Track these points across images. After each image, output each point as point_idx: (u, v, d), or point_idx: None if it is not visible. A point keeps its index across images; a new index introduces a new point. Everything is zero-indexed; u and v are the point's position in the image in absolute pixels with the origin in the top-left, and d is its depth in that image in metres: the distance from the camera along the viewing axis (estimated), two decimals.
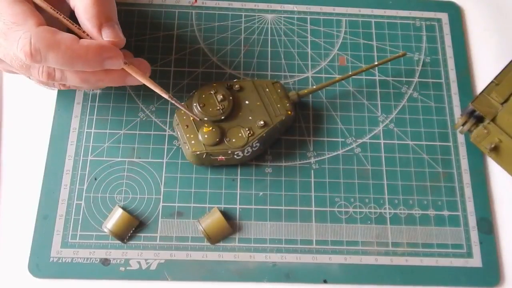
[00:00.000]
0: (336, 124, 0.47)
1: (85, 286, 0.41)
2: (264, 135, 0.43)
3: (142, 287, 0.41)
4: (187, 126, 0.43)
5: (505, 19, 0.53)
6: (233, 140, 0.42)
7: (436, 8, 0.53)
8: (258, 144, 0.43)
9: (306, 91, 0.46)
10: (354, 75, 0.47)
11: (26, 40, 0.34)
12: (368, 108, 0.48)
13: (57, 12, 0.38)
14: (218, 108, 0.43)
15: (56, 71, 0.37)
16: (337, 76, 0.48)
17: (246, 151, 0.43)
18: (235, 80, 0.46)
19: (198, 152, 0.42)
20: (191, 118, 0.43)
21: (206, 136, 0.42)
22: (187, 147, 0.42)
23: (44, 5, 0.38)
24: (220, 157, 0.43)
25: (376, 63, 0.48)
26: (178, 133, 0.43)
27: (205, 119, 0.43)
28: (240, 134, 0.42)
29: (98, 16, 0.37)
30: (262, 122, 0.43)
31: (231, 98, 0.43)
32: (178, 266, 0.42)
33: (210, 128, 0.42)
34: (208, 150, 0.42)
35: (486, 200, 0.45)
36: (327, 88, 0.48)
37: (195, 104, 0.43)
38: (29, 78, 0.41)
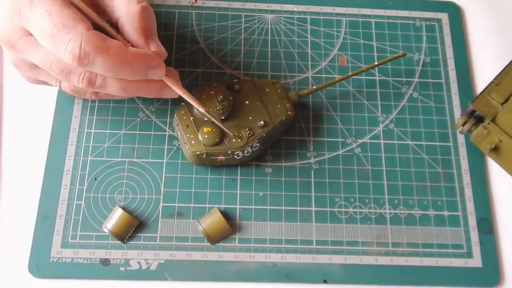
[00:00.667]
0: (336, 124, 0.47)
1: (85, 286, 0.41)
2: (264, 135, 0.43)
3: (142, 287, 0.41)
4: (187, 126, 0.43)
5: (505, 19, 0.53)
6: (233, 140, 0.42)
7: (436, 8, 0.53)
8: (258, 144, 0.43)
9: (306, 91, 0.46)
10: (354, 75, 0.47)
11: (76, 43, 0.34)
12: (368, 108, 0.48)
13: (103, 21, 0.38)
14: (218, 108, 0.43)
15: (97, 77, 0.37)
16: (337, 76, 0.48)
17: (246, 151, 0.43)
18: (235, 80, 0.46)
19: (198, 152, 0.42)
20: (191, 118, 0.43)
21: (206, 136, 0.42)
22: (187, 147, 0.42)
23: (91, 13, 0.37)
24: (220, 157, 0.43)
25: (376, 63, 0.48)
26: (178, 133, 0.43)
27: (205, 119, 0.43)
28: (240, 134, 0.42)
29: (144, 28, 0.38)
30: (262, 122, 0.43)
31: (231, 98, 0.43)
32: (178, 266, 0.42)
33: (210, 129, 0.42)
34: (208, 150, 0.42)
35: (486, 200, 0.45)
36: (327, 88, 0.48)
37: None
38: (59, 87, 0.41)
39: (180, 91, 0.40)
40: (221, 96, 0.43)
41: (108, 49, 0.35)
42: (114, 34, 0.38)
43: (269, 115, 0.44)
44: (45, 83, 0.42)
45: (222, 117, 0.43)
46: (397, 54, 0.48)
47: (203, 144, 0.42)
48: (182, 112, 0.43)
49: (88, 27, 0.35)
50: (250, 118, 0.43)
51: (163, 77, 0.39)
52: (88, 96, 0.42)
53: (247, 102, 0.44)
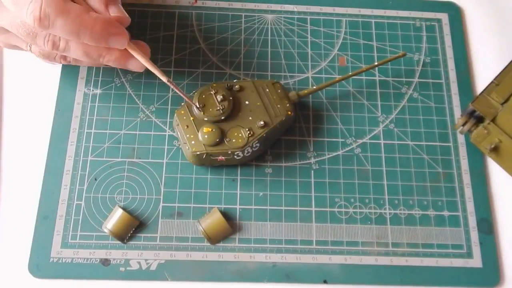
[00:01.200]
0: (336, 125, 0.47)
1: (85, 286, 0.41)
2: (264, 135, 0.43)
3: (142, 287, 0.41)
4: (187, 126, 0.43)
5: (505, 19, 0.53)
6: (233, 140, 0.42)
7: (436, 8, 0.53)
8: (258, 145, 0.43)
9: (306, 91, 0.46)
10: (354, 75, 0.47)
11: (37, 4, 0.35)
12: (368, 109, 0.48)
13: None
14: (218, 108, 0.43)
15: (61, 41, 0.38)
16: (337, 77, 0.49)
17: (246, 151, 0.43)
18: (235, 81, 0.46)
19: (198, 153, 0.42)
20: (191, 118, 0.43)
21: (206, 136, 0.42)
22: (187, 147, 0.42)
23: None
24: (220, 158, 0.43)
25: (376, 63, 0.48)
26: (178, 133, 0.43)
27: (205, 119, 0.42)
28: (240, 135, 0.42)
29: None
30: (262, 123, 0.43)
31: (231, 98, 0.43)
32: (178, 266, 0.42)
33: (210, 129, 0.42)
34: (208, 150, 0.42)
35: (486, 200, 0.45)
36: (327, 88, 0.48)
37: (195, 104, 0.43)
38: (30, 51, 0.41)
39: (143, 60, 0.40)
40: (221, 96, 0.43)
41: (68, 12, 0.35)
42: None
43: (269, 115, 0.44)
44: (17, 47, 0.42)
45: (222, 117, 0.43)
46: (397, 55, 0.48)
47: (203, 144, 0.42)
48: (182, 112, 0.43)
49: None
50: (250, 118, 0.43)
51: (126, 46, 0.39)
52: (58, 60, 0.42)
53: (247, 102, 0.44)
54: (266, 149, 0.46)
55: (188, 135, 0.42)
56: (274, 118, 0.44)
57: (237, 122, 0.43)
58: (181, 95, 0.42)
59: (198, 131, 0.42)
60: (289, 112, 0.44)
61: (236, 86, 0.44)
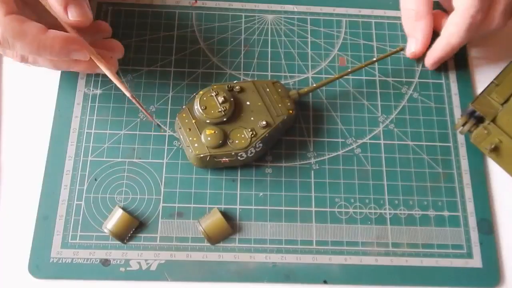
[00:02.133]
0: (336, 125, 0.47)
1: (85, 286, 0.41)
2: (267, 135, 0.43)
3: (142, 287, 0.41)
4: (190, 129, 0.43)
5: None
6: (236, 141, 0.42)
7: (436, 8, 0.53)
8: (261, 145, 0.43)
9: (306, 89, 0.46)
10: (354, 71, 0.47)
11: None
12: (368, 109, 0.48)
13: None
14: (220, 110, 0.42)
15: (29, 56, 0.39)
16: (337, 76, 0.49)
17: (249, 152, 0.43)
18: (235, 82, 0.46)
19: (202, 155, 0.42)
20: (193, 121, 0.43)
21: (209, 138, 0.42)
22: (190, 150, 0.42)
23: None
24: (224, 159, 0.43)
25: (374, 59, 0.48)
26: (181, 136, 0.43)
27: (207, 121, 0.42)
28: (243, 135, 0.42)
29: None
30: (264, 123, 0.43)
31: (232, 99, 0.43)
32: (178, 266, 0.42)
33: (213, 131, 0.42)
34: (212, 152, 0.42)
35: (486, 200, 0.45)
36: (327, 88, 0.48)
37: (196, 107, 0.43)
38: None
39: (107, 72, 0.40)
40: (223, 98, 0.43)
41: (25, 35, 0.36)
42: (46, 5, 0.39)
43: (270, 115, 0.44)
44: None
45: (224, 119, 0.43)
46: (394, 50, 0.48)
47: (207, 147, 0.42)
48: (184, 115, 0.43)
49: (7, 11, 0.36)
50: (252, 118, 0.43)
51: (88, 58, 0.39)
52: (32, 64, 0.42)
53: (248, 103, 0.44)
54: (269, 149, 0.46)
55: (190, 138, 0.42)
56: (276, 117, 0.44)
57: (239, 123, 0.43)
58: (145, 113, 0.42)
59: (200, 134, 0.42)
60: (291, 111, 0.44)
61: (237, 87, 0.44)
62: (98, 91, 0.47)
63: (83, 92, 0.47)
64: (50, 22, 0.39)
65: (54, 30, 0.38)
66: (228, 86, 0.44)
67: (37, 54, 0.38)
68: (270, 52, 0.50)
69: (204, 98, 0.43)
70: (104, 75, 0.45)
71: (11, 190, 0.44)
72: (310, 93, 0.48)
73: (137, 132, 0.46)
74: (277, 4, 0.52)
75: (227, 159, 0.43)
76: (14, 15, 0.37)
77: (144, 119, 0.46)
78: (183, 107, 0.44)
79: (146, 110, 0.42)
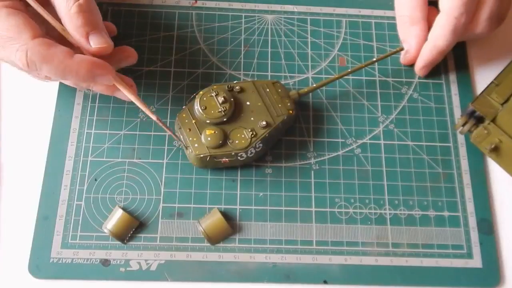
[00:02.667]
0: (336, 125, 0.47)
1: (85, 286, 0.41)
2: (267, 135, 0.43)
3: None
4: (190, 129, 0.43)
5: (505, 20, 0.53)
6: (236, 141, 0.42)
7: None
8: (261, 145, 0.43)
9: (306, 89, 0.46)
10: (353, 71, 0.47)
11: (23, 53, 0.36)
12: (368, 109, 0.48)
13: (55, 21, 0.39)
14: (220, 110, 0.43)
15: (54, 77, 0.39)
16: (337, 76, 0.49)
17: (249, 152, 0.43)
18: (235, 82, 0.46)
19: (202, 155, 0.42)
20: (193, 121, 0.43)
21: (209, 138, 0.42)
22: (190, 150, 0.42)
23: (42, 12, 0.39)
24: (224, 159, 0.43)
25: (374, 59, 0.48)
26: (181, 136, 0.43)
27: (207, 121, 0.42)
28: (243, 136, 0.42)
29: (84, 25, 0.38)
30: (264, 123, 0.43)
31: (232, 99, 0.43)
32: (178, 266, 0.42)
33: (213, 131, 0.42)
34: (212, 152, 0.42)
35: (486, 200, 0.45)
36: (327, 88, 0.48)
37: (196, 107, 0.43)
38: None
39: (130, 96, 0.41)
40: (223, 98, 0.43)
41: (52, 58, 0.37)
42: (64, 34, 0.39)
43: (270, 115, 0.44)
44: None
45: (224, 119, 0.43)
46: (394, 50, 0.48)
47: (207, 147, 0.42)
48: (184, 115, 0.43)
49: (33, 35, 0.37)
50: (252, 119, 0.43)
51: (111, 83, 0.40)
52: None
53: (248, 103, 0.44)
54: (269, 149, 0.46)
55: (191, 138, 0.42)
56: (276, 117, 0.44)
57: (239, 123, 0.43)
58: (171, 133, 0.42)
59: (200, 134, 0.42)
60: (291, 111, 0.44)
61: (237, 87, 0.44)
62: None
63: (83, 92, 0.47)
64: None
65: (80, 54, 0.38)
66: (228, 86, 0.44)
67: (62, 78, 0.39)
68: (270, 52, 0.50)
69: (204, 98, 0.43)
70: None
71: (11, 190, 0.44)
72: (310, 93, 0.48)
73: (137, 132, 0.46)
74: (277, 4, 0.52)
75: (227, 159, 0.43)
76: (41, 39, 0.37)
77: (144, 119, 0.46)
78: (183, 107, 0.44)
79: (172, 132, 0.42)
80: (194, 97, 0.44)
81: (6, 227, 0.43)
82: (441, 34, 0.46)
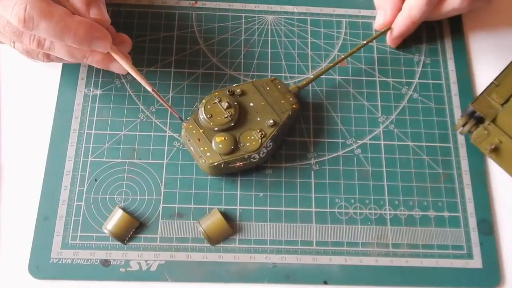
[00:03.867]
0: (336, 125, 0.47)
1: (85, 287, 0.41)
2: (275, 133, 0.43)
3: None
4: (199, 139, 0.42)
5: (505, 20, 0.53)
6: (247, 144, 0.42)
7: None
8: (271, 144, 0.43)
9: (305, 82, 0.46)
10: (349, 56, 0.48)
11: (21, 6, 0.35)
12: (368, 109, 0.48)
13: None
14: (226, 116, 0.42)
15: (46, 40, 0.39)
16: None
17: (261, 152, 0.43)
18: (234, 85, 0.45)
19: (216, 163, 0.41)
20: (201, 131, 0.42)
21: (220, 145, 0.41)
22: (202, 160, 0.42)
23: None
24: (238, 164, 0.42)
25: (364, 42, 0.48)
26: (191, 148, 0.43)
27: (215, 129, 0.42)
28: (252, 137, 0.42)
29: None
30: (271, 121, 0.43)
31: (236, 103, 0.43)
32: (178, 267, 0.42)
33: (223, 137, 0.42)
34: (225, 159, 0.41)
35: (486, 201, 0.45)
36: (327, 89, 0.48)
37: (202, 116, 0.42)
38: (14, 47, 0.41)
39: (126, 65, 0.41)
40: (226, 103, 0.42)
41: (52, 14, 0.36)
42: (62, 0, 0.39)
43: (276, 112, 0.44)
44: (1, 42, 0.43)
45: (232, 124, 0.42)
46: (382, 31, 0.49)
47: (219, 154, 0.42)
48: (191, 126, 0.43)
49: None
50: (258, 119, 0.43)
51: (109, 50, 0.40)
52: (40, 58, 0.42)
53: (251, 104, 0.44)
54: (279, 146, 0.46)
55: (201, 148, 0.42)
56: (281, 114, 0.44)
57: (247, 125, 0.43)
58: (166, 106, 0.42)
59: (210, 142, 0.42)
60: (294, 106, 0.44)
61: (238, 90, 0.44)
62: (98, 92, 0.47)
63: (83, 93, 0.47)
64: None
65: (79, 16, 0.38)
66: (229, 91, 0.44)
67: (59, 38, 0.37)
68: (270, 52, 0.50)
69: (208, 106, 0.43)
70: (106, 76, 0.45)
71: (11, 190, 0.44)
72: (310, 94, 0.48)
73: (137, 133, 0.46)
74: (277, 4, 0.52)
75: (241, 163, 0.42)
76: None
77: (144, 120, 0.46)
78: (188, 118, 0.43)
79: (166, 102, 0.42)
80: (197, 106, 0.43)
81: (6, 227, 0.43)
82: (415, 4, 0.46)
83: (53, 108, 0.46)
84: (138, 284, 0.41)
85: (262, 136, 0.42)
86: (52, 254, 0.41)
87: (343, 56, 0.47)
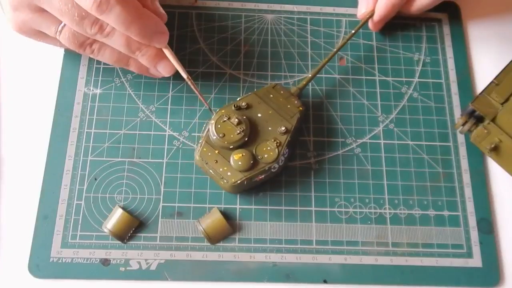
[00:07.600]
0: (336, 124, 0.47)
1: (85, 286, 0.41)
2: (289, 139, 0.43)
3: (142, 287, 0.41)
4: (216, 161, 0.41)
5: (505, 19, 0.53)
6: (265, 155, 0.42)
7: (436, 8, 0.52)
8: (287, 150, 0.43)
9: (304, 82, 0.46)
10: (341, 47, 0.48)
11: None
12: (368, 108, 0.48)
13: None
14: (238, 132, 0.41)
15: (108, 26, 0.39)
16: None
17: (280, 161, 0.42)
18: (238, 99, 0.44)
19: (239, 181, 0.41)
20: (216, 152, 0.42)
21: (239, 163, 0.41)
22: (224, 181, 0.41)
23: None
24: (259, 177, 0.42)
25: (353, 31, 0.48)
26: (210, 171, 0.42)
27: (230, 147, 0.42)
28: (269, 148, 0.42)
29: None
30: (283, 128, 0.42)
31: (245, 117, 0.42)
32: (178, 266, 0.42)
33: (240, 154, 0.41)
34: (247, 175, 0.41)
35: (486, 200, 0.45)
36: (327, 88, 0.48)
37: (215, 137, 0.41)
38: (58, 36, 0.41)
39: (176, 65, 0.42)
40: (236, 120, 0.42)
41: (127, 2, 0.37)
42: None
43: (285, 118, 0.43)
44: (39, 34, 0.42)
45: (246, 139, 0.42)
46: (365, 20, 0.49)
47: (240, 171, 0.41)
48: (205, 149, 0.42)
49: None
50: (270, 128, 0.43)
51: (164, 46, 0.41)
52: (88, 51, 0.42)
53: (259, 115, 0.43)
54: (295, 150, 0.46)
55: (221, 169, 0.41)
56: (291, 119, 0.43)
57: (260, 137, 0.42)
58: (200, 98, 0.43)
59: (228, 162, 0.41)
60: (300, 108, 0.44)
61: (243, 104, 0.43)
62: (98, 91, 0.47)
63: (83, 92, 0.47)
64: None
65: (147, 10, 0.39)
66: (234, 106, 0.43)
67: (127, 26, 0.38)
68: (270, 51, 0.50)
69: (219, 126, 0.42)
70: (105, 75, 0.45)
71: (11, 189, 0.44)
72: (310, 94, 0.48)
73: (137, 132, 0.46)
74: (277, 3, 0.52)
75: (262, 176, 0.42)
76: None
77: (144, 119, 0.46)
78: (200, 142, 0.43)
79: (201, 94, 0.43)
80: (206, 129, 0.43)
81: (6, 226, 0.43)
82: None
83: (53, 107, 0.46)
84: (138, 283, 0.41)
85: (278, 144, 0.42)
86: (52, 253, 0.41)
87: (334, 50, 0.47)
